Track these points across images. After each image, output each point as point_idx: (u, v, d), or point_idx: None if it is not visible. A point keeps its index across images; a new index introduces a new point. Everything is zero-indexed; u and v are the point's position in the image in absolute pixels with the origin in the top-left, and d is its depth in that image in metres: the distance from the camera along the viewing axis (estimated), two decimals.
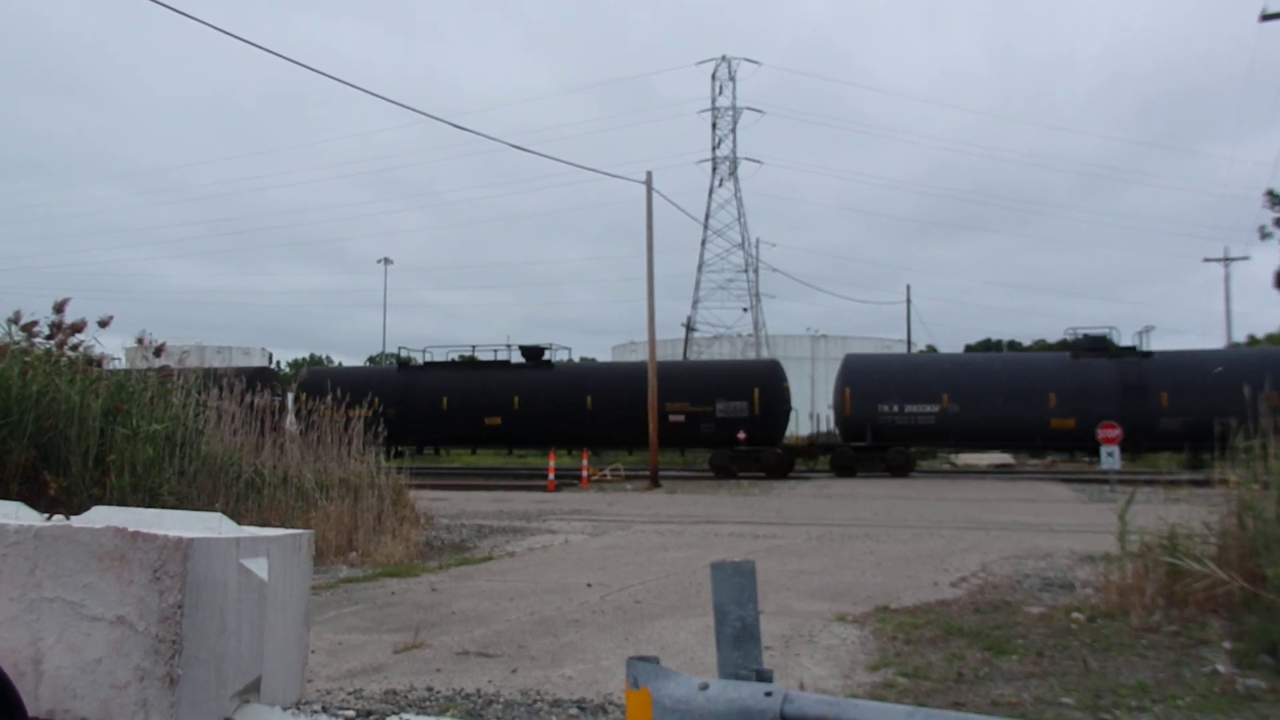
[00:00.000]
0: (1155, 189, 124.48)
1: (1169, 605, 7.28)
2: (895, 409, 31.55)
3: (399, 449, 37.07)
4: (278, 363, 39.78)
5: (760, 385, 31.75)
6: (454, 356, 36.56)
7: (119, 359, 14.23)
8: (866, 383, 32.18)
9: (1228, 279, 59.20)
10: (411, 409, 33.29)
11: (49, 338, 10.47)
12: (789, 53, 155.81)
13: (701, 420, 31.83)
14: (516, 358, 35.84)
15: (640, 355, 31.05)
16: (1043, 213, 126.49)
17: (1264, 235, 48.46)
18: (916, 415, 31.50)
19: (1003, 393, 31.00)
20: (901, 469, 31.37)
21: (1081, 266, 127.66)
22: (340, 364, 41.75)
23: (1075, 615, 7.50)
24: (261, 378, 35.67)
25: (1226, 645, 6.39)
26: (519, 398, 33.42)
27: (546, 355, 35.29)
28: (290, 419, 38.93)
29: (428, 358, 36.49)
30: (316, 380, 35.40)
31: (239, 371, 37.00)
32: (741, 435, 31.27)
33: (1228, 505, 7.33)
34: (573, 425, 32.79)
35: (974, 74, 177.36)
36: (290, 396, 40.66)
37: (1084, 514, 17.40)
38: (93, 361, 10.68)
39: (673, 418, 31.39)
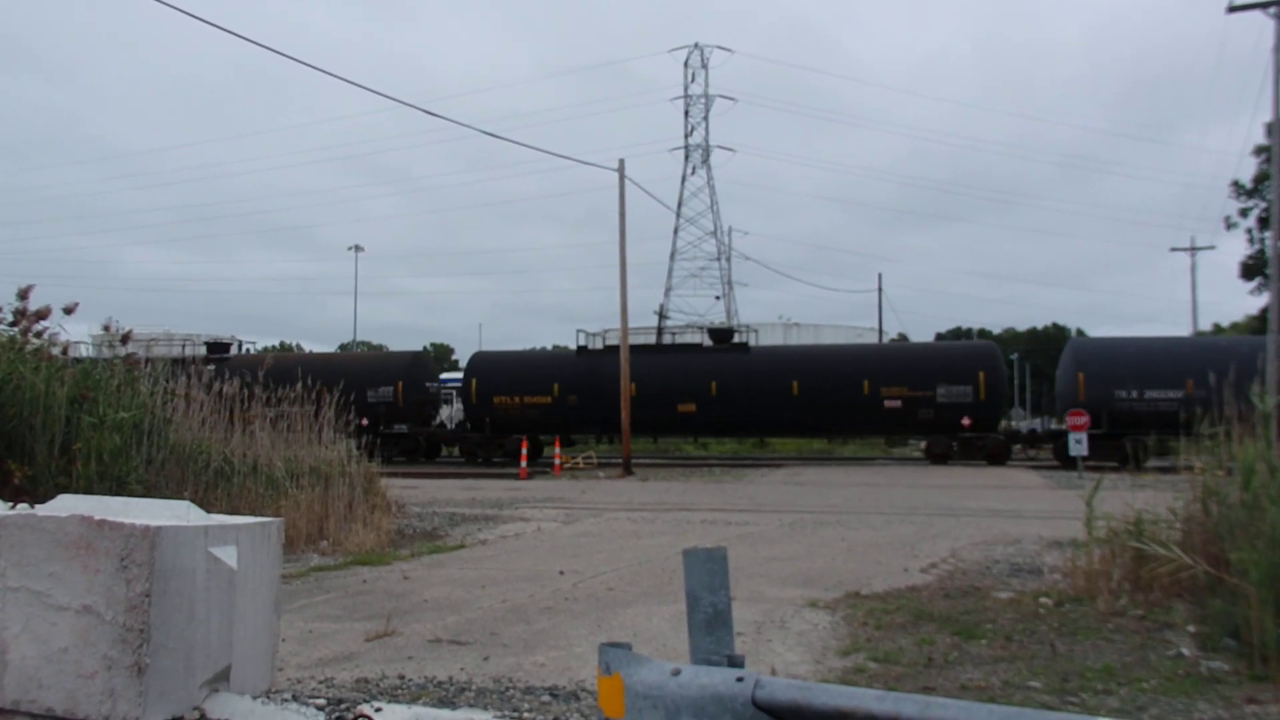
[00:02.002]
0: (1132, 178, 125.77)
1: (1135, 590, 7.37)
2: (1134, 395, 28.86)
3: (573, 437, 36.31)
4: (247, 350, 39.29)
5: (985, 369, 30.22)
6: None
7: (85, 346, 14.04)
8: (1103, 367, 29.18)
9: (1194, 268, 59.89)
10: (595, 396, 32.11)
11: (13, 325, 10.32)
12: (769, 39, 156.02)
13: (920, 405, 30.27)
14: (673, 337, 34.90)
15: (616, 341, 30.68)
16: (1018, 202, 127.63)
17: (1229, 225, 49.15)
18: (1158, 401, 28.62)
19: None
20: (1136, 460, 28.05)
21: (1056, 255, 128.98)
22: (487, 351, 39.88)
23: (1043, 600, 7.58)
24: (418, 364, 34.85)
25: (1191, 629, 6.48)
26: (715, 383, 31.72)
27: (737, 338, 34.02)
28: (453, 410, 38.07)
29: (607, 341, 34.76)
30: (487, 365, 34.65)
31: (389, 358, 35.91)
32: (967, 421, 29.76)
33: (1192, 491, 7.43)
34: (776, 412, 31.28)
35: (954, 62, 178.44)
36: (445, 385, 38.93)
37: (1052, 500, 17.58)
38: (58, 348, 10.54)
39: (888, 403, 30.02)
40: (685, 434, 35.42)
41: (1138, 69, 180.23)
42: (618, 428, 32.70)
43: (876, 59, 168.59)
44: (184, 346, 35.80)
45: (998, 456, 30.07)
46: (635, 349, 33.83)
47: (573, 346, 36.10)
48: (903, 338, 54.64)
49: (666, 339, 36.03)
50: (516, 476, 25.95)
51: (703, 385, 31.82)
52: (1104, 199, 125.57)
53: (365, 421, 32.71)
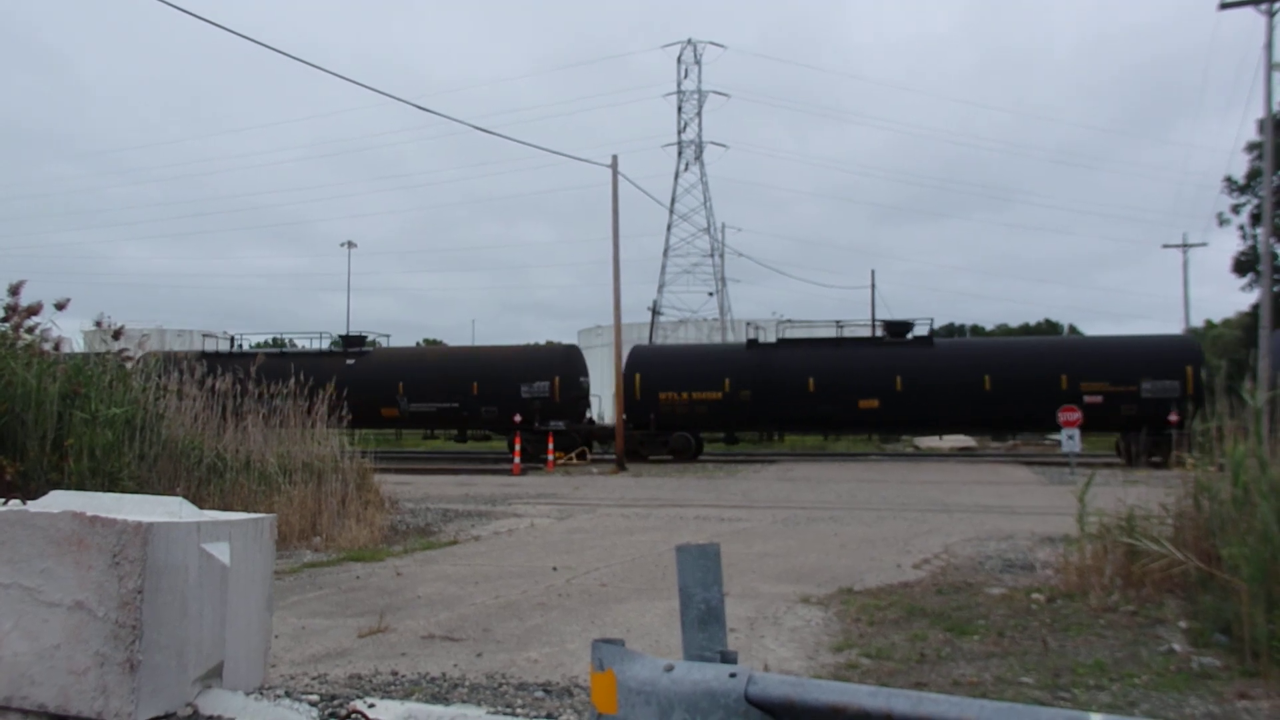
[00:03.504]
0: (1125, 175, 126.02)
1: (1127, 585, 7.40)
2: None
3: (735, 435, 35.13)
4: (240, 346, 39.02)
5: (1192, 363, 28.55)
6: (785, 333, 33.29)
7: (76, 342, 13.99)
8: None
9: (1185, 265, 60.18)
10: (769, 390, 30.88)
11: (3, 320, 10.27)
12: (763, 34, 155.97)
13: (1122, 400, 28.70)
14: (844, 331, 33.42)
15: (609, 338, 30.36)
16: (1012, 198, 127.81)
17: (1221, 222, 49.25)
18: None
19: None
20: None
21: (1049, 251, 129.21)
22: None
23: (1035, 596, 7.60)
24: (572, 358, 33.74)
25: (1182, 624, 6.51)
26: (901, 378, 30.12)
27: (915, 332, 32.44)
28: (597, 408, 36.94)
29: (781, 334, 33.44)
30: (651, 359, 33.48)
31: (536, 353, 34.70)
32: (1174, 417, 27.46)
33: (1184, 487, 7.45)
34: (968, 407, 30.06)
35: (947, 58, 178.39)
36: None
37: (1044, 496, 17.63)
38: (50, 344, 10.50)
39: (1088, 398, 28.43)
40: (867, 431, 33.80)
41: (1131, 65, 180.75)
42: (794, 424, 32.03)
43: (870, 55, 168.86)
44: (320, 339, 35.22)
45: None
46: (812, 342, 33.07)
47: (579, 343, 35.72)
48: None
49: (659, 336, 35.70)
50: (510, 473, 25.94)
51: (886, 380, 30.22)
52: (1097, 195, 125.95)
53: (519, 419, 31.58)
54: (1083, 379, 28.80)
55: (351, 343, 35.52)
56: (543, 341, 46.58)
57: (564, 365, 32.78)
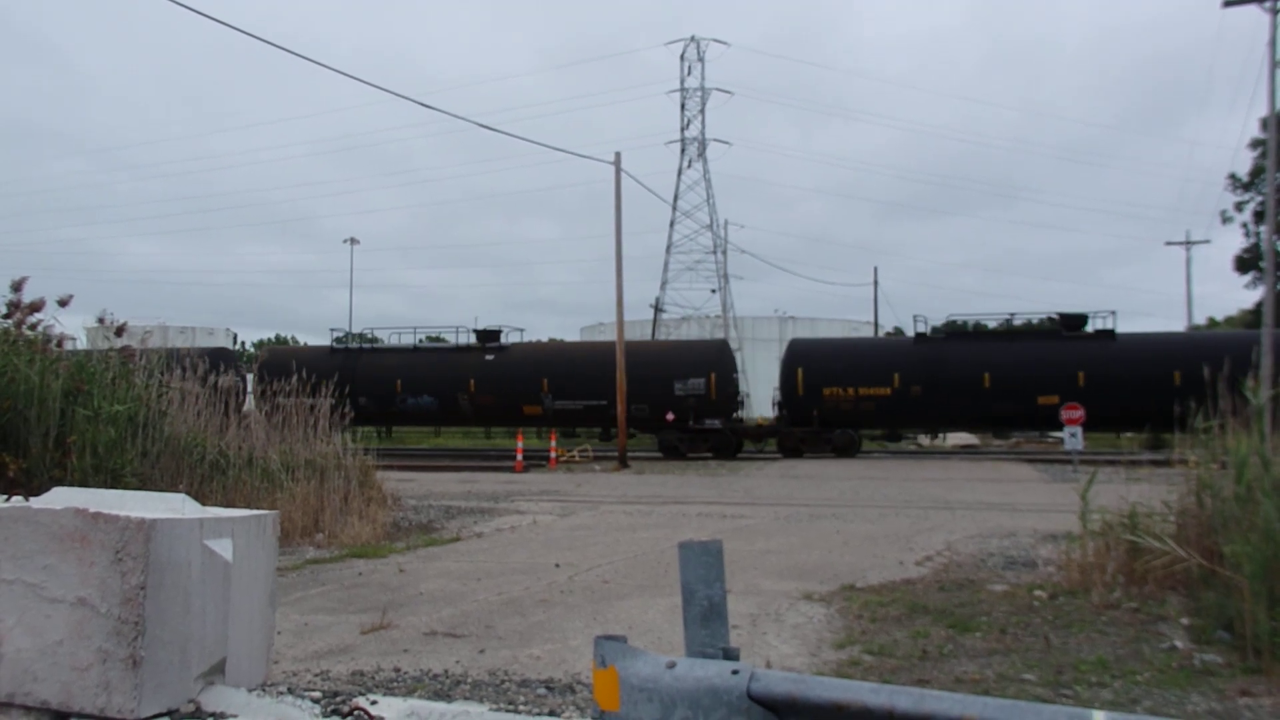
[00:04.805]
0: (1130, 172, 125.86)
1: (1129, 582, 7.39)
2: None
3: (898, 433, 33.65)
4: (242, 343, 38.88)
5: None
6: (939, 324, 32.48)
7: (79, 339, 13.98)
8: None
9: (1189, 262, 60.14)
10: (940, 386, 29.94)
11: (6, 317, 10.28)
12: (768, 30, 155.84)
13: None
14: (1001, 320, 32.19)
15: (613, 335, 29.92)
16: (1015, 195, 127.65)
17: (1225, 219, 49.19)
18: None
19: None
20: None
21: (1051, 249, 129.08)
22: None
23: (1038, 593, 7.60)
24: (725, 354, 32.66)
25: (1184, 621, 6.50)
26: (1084, 374, 28.77)
27: (1099, 326, 30.89)
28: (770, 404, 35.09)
29: (954, 325, 32.54)
30: (813, 353, 32.26)
31: (690, 348, 33.20)
32: None
33: (1187, 485, 7.44)
34: (1155, 404, 27.76)
35: (952, 55, 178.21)
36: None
37: (1047, 494, 17.63)
38: (52, 341, 10.51)
39: None
40: (1046, 428, 32.41)
41: (1138, 60, 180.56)
42: (966, 421, 30.97)
43: (875, 50, 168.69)
44: (456, 334, 34.30)
45: None
46: (981, 335, 31.98)
47: (581, 339, 35.02)
48: (898, 331, 54.64)
49: (661, 332, 35.40)
50: (513, 470, 25.95)
51: (1067, 375, 28.85)
52: (1102, 192, 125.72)
53: (671, 417, 30.86)
54: None
55: (487, 337, 34.42)
56: (544, 339, 46.38)
57: (718, 361, 31.82)
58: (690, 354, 32.53)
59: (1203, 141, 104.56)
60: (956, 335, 32.23)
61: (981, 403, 29.71)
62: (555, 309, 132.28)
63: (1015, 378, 29.35)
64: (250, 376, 32.64)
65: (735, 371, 32.90)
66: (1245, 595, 5.64)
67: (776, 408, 32.66)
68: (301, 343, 37.92)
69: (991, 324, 32.76)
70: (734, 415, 33.04)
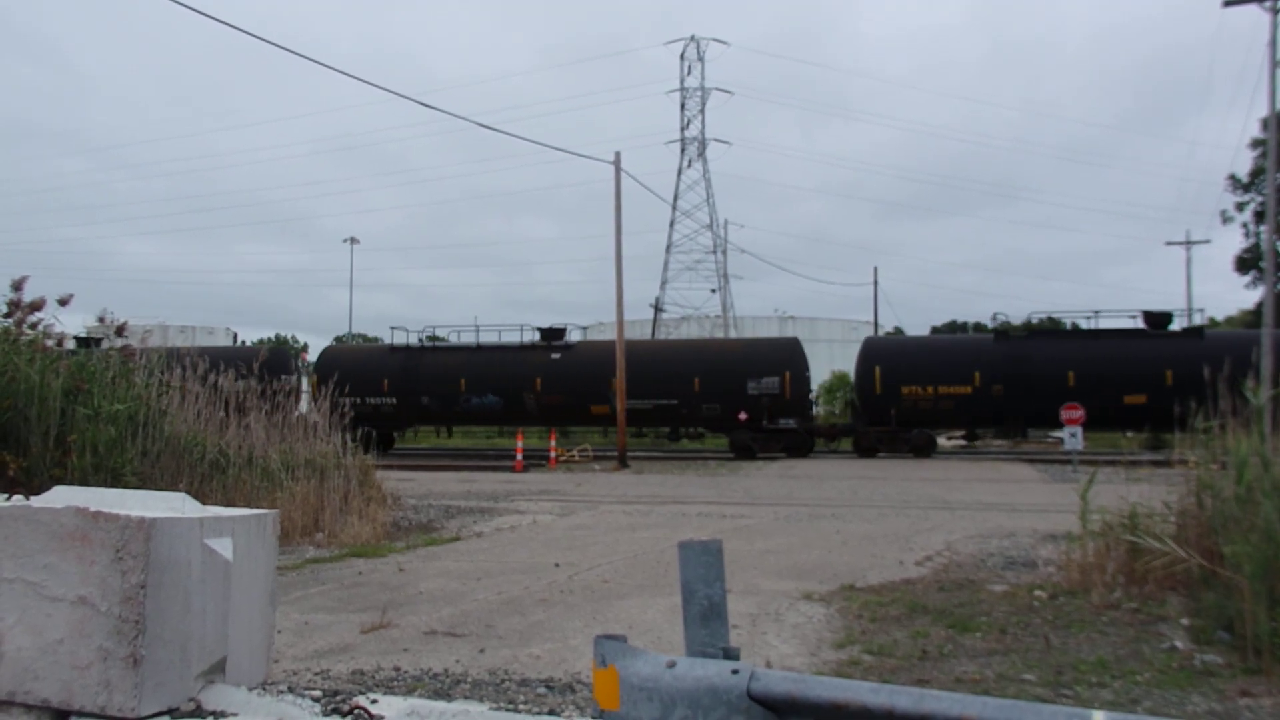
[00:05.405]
0: (1130, 172, 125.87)
1: (1129, 583, 7.39)
2: None
3: (976, 433, 32.56)
4: (242, 341, 38.85)
5: None
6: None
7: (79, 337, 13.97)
8: None
9: (1189, 262, 60.18)
10: (1023, 385, 29.45)
11: (7, 316, 10.29)
12: (769, 29, 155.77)
13: None
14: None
15: (616, 334, 29.74)
16: (1016, 195, 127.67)
17: (1225, 219, 49.21)
18: None
19: None
20: None
21: (1052, 248, 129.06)
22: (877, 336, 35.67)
23: (1037, 593, 7.60)
24: (797, 352, 31.84)
25: (1185, 622, 6.50)
26: (1171, 372, 27.71)
27: (1179, 323, 30.38)
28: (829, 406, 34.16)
29: (1032, 321, 31.94)
30: (890, 351, 31.91)
31: (762, 346, 32.32)
32: None
33: (1187, 485, 7.44)
34: (1245, 404, 27.82)
35: (952, 55, 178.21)
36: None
37: (1047, 494, 17.63)
38: (53, 339, 10.52)
39: None
40: (1131, 428, 31.74)
41: (1138, 59, 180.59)
42: (1050, 421, 29.40)
43: (876, 49, 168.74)
44: (521, 332, 33.73)
45: None
46: (1065, 333, 31.25)
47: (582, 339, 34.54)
48: (899, 331, 54.65)
49: (661, 332, 35.24)
50: (512, 469, 25.96)
51: (1154, 374, 28.11)
52: (1102, 191, 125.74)
53: (744, 416, 30.24)
54: None
55: (551, 335, 33.97)
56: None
57: (792, 360, 31.26)
58: (764, 352, 32.06)
59: (1203, 141, 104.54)
60: (1039, 333, 31.61)
61: (1065, 402, 28.84)
62: (554, 308, 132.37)
63: (1100, 376, 28.74)
64: (303, 377, 32.33)
65: (807, 370, 32.31)
66: (1245, 596, 5.65)
67: (849, 407, 31.99)
68: (302, 342, 37.93)
69: (1079, 322, 32.10)
70: (809, 414, 32.52)
